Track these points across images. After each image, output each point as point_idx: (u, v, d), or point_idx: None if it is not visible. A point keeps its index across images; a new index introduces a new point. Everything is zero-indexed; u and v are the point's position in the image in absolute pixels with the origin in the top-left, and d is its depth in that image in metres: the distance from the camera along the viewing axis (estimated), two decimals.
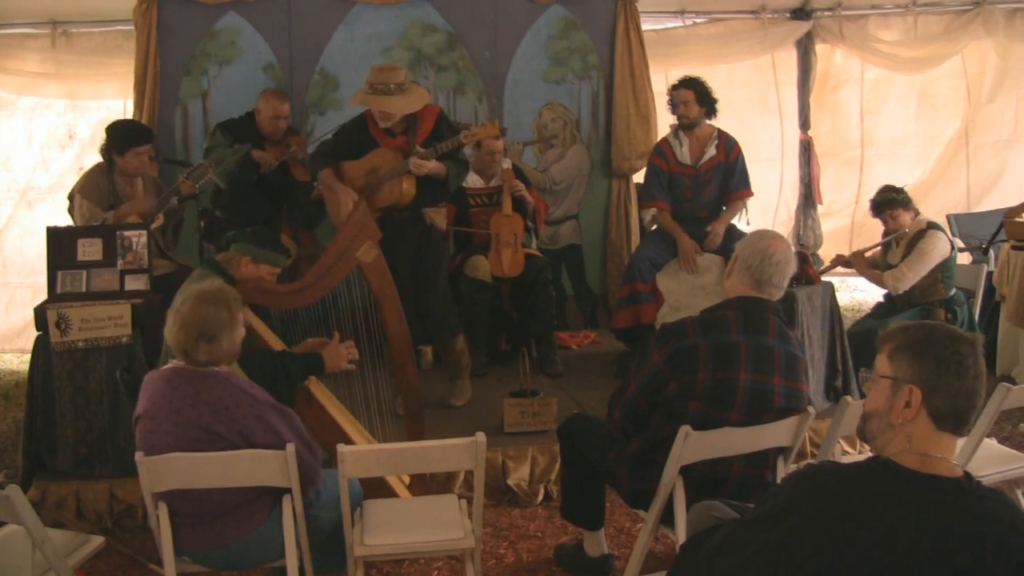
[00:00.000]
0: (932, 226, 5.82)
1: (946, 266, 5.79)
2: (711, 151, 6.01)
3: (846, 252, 6.44)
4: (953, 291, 5.88)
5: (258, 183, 5.93)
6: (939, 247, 5.73)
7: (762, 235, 3.54)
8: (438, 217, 5.49)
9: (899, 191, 5.91)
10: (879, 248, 6.11)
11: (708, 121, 6.05)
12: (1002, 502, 2.08)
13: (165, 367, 3.26)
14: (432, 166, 5.10)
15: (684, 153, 6.03)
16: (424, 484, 4.31)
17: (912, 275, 5.73)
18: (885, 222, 5.92)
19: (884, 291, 6.06)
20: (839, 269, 6.31)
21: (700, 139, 6.03)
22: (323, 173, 5.31)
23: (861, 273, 6.11)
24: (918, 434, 2.11)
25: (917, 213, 5.91)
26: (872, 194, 6.03)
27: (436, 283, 5.38)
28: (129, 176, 5.51)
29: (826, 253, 8.30)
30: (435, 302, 5.35)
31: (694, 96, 5.93)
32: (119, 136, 5.49)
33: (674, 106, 6.06)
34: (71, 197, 5.47)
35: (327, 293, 4.20)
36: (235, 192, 5.93)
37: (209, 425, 3.10)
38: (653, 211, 6.16)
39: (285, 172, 5.98)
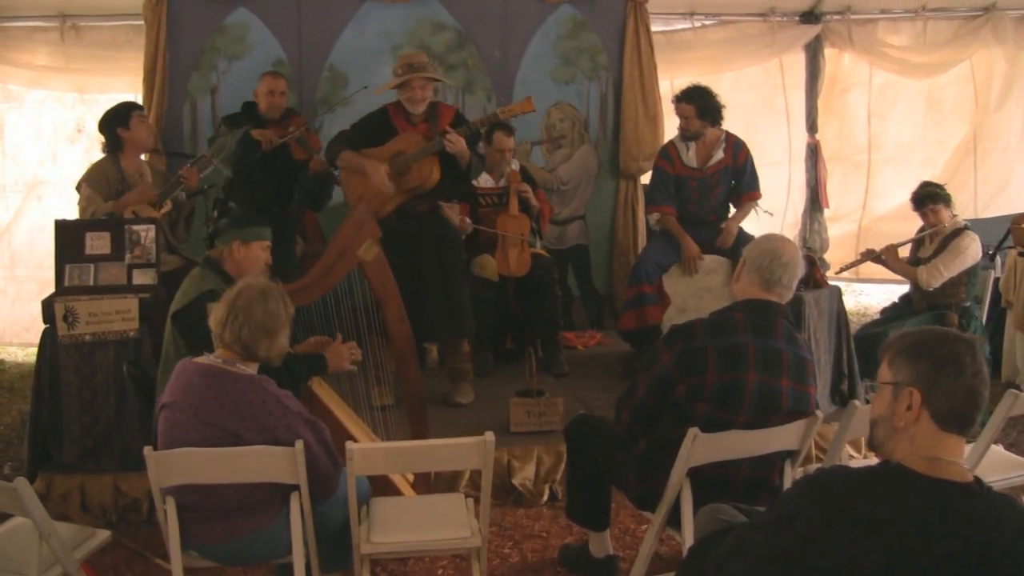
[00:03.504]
0: (968, 227, 5.83)
1: (973, 271, 5.81)
2: (718, 154, 5.99)
3: (853, 257, 6.43)
4: (970, 302, 5.89)
5: (264, 168, 5.89)
6: (973, 248, 5.74)
7: (770, 238, 3.55)
8: (452, 213, 5.58)
9: (940, 187, 5.94)
10: (910, 244, 6.11)
11: (714, 127, 6.03)
12: (1012, 507, 2.07)
13: (203, 361, 3.21)
14: (464, 144, 5.20)
15: (691, 156, 6.02)
16: (428, 483, 4.31)
17: (947, 272, 5.74)
18: (925, 216, 5.93)
19: (899, 295, 6.04)
20: (864, 270, 6.28)
21: (707, 142, 6.01)
22: (345, 154, 5.34)
23: (893, 267, 6.07)
24: (922, 436, 2.11)
25: (955, 214, 5.92)
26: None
27: (458, 275, 5.51)
28: (143, 149, 5.55)
29: (832, 258, 8.30)
30: (458, 294, 5.45)
31: (695, 111, 5.88)
32: (117, 113, 5.51)
33: (677, 116, 6.05)
34: (79, 187, 5.47)
35: (328, 291, 4.21)
36: (244, 179, 5.93)
37: (236, 429, 3.10)
38: (657, 215, 6.15)
39: (288, 154, 5.94)
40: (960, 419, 2.11)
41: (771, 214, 6.22)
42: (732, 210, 6.13)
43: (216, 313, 3.24)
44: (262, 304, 3.19)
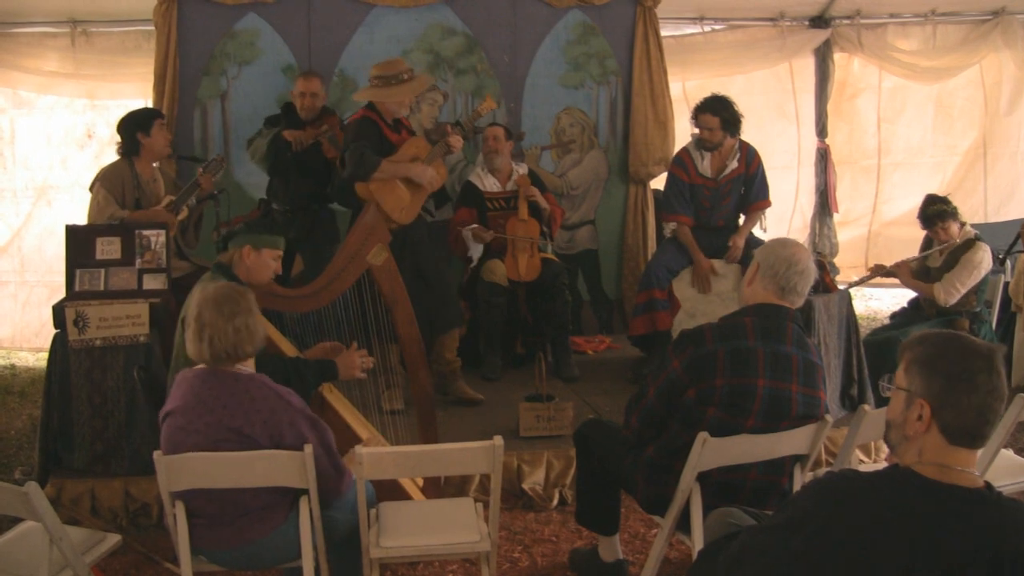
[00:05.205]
0: (978, 237, 5.82)
1: (983, 279, 5.79)
2: (733, 164, 5.99)
3: (863, 262, 6.42)
4: (980, 306, 5.88)
5: (300, 168, 6.00)
6: (986, 259, 5.75)
7: (784, 244, 3.53)
8: (480, 232, 6.04)
9: (947, 202, 5.90)
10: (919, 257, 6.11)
11: (732, 137, 6.01)
12: (1022, 512, 2.07)
13: (199, 367, 3.22)
14: (462, 143, 5.82)
15: (705, 166, 6.01)
16: (437, 487, 4.31)
17: (963, 288, 5.75)
18: (936, 234, 5.90)
19: (908, 299, 6.02)
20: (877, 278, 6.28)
21: (722, 152, 5.99)
22: (385, 165, 5.38)
23: (905, 283, 6.08)
24: (929, 448, 2.11)
25: (963, 224, 5.90)
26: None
27: (446, 269, 5.76)
28: (158, 157, 5.58)
29: (842, 263, 8.28)
30: (448, 287, 5.71)
31: (719, 123, 5.87)
32: (139, 117, 5.57)
33: (698, 127, 6.02)
34: (92, 187, 5.47)
35: (338, 297, 4.22)
36: (281, 180, 6.10)
37: (240, 427, 3.09)
38: (674, 225, 6.14)
39: (320, 153, 6.02)
40: (970, 435, 2.10)
41: (765, 231, 6.21)
42: (741, 218, 6.14)
43: (188, 344, 3.19)
44: (218, 310, 3.14)
